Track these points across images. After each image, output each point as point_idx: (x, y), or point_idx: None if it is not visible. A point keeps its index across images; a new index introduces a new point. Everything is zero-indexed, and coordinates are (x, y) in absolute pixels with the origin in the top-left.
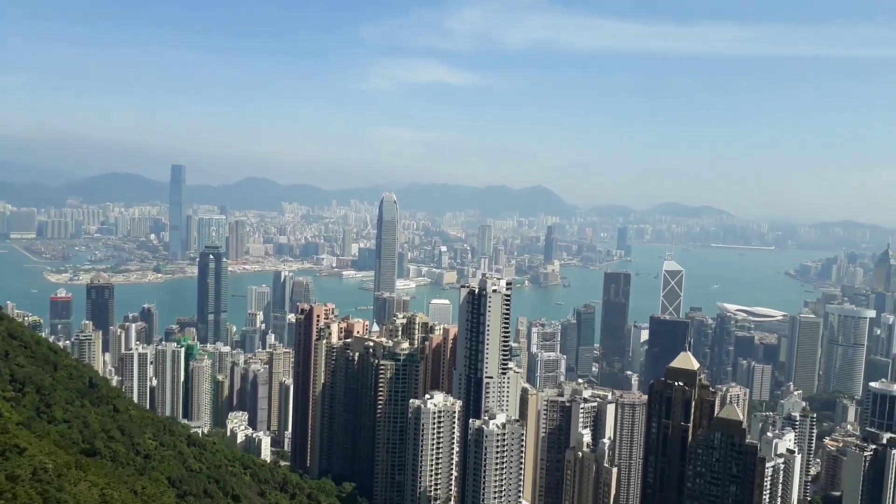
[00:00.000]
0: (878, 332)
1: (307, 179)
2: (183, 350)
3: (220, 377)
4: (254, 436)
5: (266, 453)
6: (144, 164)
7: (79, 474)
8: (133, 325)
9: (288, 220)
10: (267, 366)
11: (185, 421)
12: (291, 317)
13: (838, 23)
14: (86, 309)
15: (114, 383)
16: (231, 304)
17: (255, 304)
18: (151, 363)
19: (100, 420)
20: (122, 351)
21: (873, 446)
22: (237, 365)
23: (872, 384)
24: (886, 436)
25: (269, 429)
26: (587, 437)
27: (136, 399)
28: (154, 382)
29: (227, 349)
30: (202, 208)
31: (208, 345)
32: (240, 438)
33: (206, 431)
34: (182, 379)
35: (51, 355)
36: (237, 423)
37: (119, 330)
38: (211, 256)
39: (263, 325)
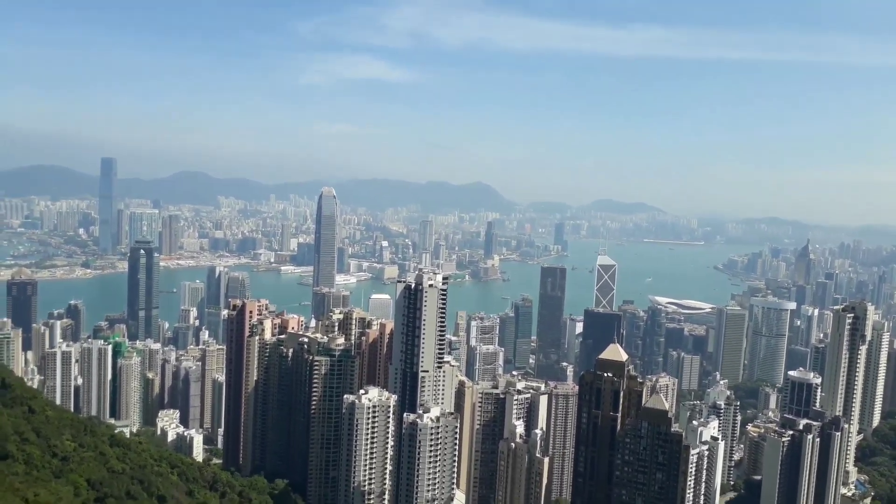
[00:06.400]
0: (799, 323)
1: (244, 173)
2: (110, 347)
3: (150, 375)
4: (185, 434)
5: (198, 451)
6: (73, 156)
7: None
8: (58, 322)
9: (224, 214)
10: (199, 363)
11: (111, 421)
12: (226, 313)
13: (761, 26)
14: (5, 306)
15: (35, 384)
16: (164, 300)
17: (188, 300)
18: (77, 361)
19: (12, 422)
20: (46, 349)
21: (791, 432)
22: (168, 362)
23: (791, 373)
24: (803, 422)
25: (201, 426)
26: (520, 428)
27: (59, 400)
28: (79, 381)
29: (157, 346)
30: (134, 202)
31: (138, 342)
32: (170, 437)
33: (134, 431)
34: (109, 377)
35: None
36: (168, 422)
37: (42, 328)
38: (142, 251)
39: (197, 322)
